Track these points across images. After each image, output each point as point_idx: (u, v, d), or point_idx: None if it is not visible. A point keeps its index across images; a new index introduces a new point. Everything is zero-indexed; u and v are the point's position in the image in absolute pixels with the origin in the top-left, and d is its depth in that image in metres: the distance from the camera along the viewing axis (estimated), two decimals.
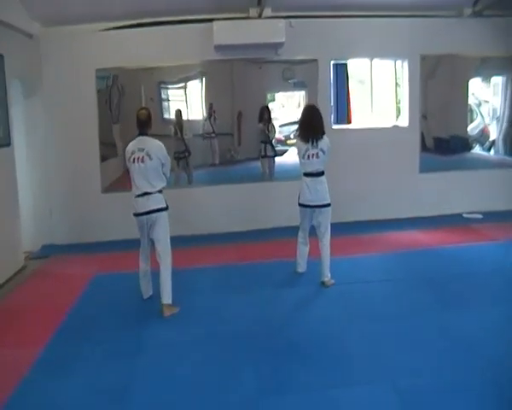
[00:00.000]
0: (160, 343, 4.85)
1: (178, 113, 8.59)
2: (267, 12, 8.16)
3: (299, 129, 6.14)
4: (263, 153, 8.84)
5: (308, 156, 5.93)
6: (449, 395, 3.86)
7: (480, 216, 8.86)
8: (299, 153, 6.04)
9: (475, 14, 8.71)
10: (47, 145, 8.14)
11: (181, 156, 8.64)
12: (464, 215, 8.95)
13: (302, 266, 6.43)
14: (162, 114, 8.68)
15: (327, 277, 6.07)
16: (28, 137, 7.96)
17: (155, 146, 5.38)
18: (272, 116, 8.81)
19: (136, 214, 5.46)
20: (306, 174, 6.01)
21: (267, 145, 8.81)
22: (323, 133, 5.99)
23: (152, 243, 5.55)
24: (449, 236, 7.97)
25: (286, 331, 5.03)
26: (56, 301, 6.02)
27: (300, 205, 6.12)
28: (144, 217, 5.41)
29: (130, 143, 5.48)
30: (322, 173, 6.00)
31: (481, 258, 6.92)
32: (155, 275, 5.59)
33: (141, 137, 5.43)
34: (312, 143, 5.90)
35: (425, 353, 4.47)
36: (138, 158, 5.30)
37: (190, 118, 8.74)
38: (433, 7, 8.59)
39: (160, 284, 5.44)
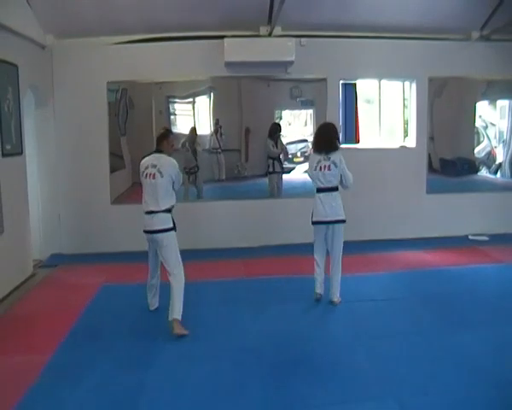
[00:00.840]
0: (168, 356, 4.84)
1: (193, 130, 8.70)
2: (277, 30, 8.24)
3: (314, 141, 6.17)
4: (271, 169, 8.87)
5: (320, 168, 5.84)
6: None
7: (486, 238, 8.88)
8: (310, 166, 5.99)
9: (483, 38, 8.80)
10: (58, 155, 8.22)
11: (191, 171, 8.74)
12: (470, 237, 8.97)
13: (320, 287, 6.13)
14: (170, 127, 8.72)
15: (336, 296, 5.99)
16: (39, 147, 8.05)
17: (168, 164, 5.36)
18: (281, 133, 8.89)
19: (144, 231, 5.46)
20: (319, 190, 5.91)
21: (275, 161, 8.86)
22: (337, 148, 5.92)
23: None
24: (455, 257, 7.98)
25: (293, 347, 5.02)
26: (64, 310, 6.03)
27: (314, 223, 5.97)
28: (150, 235, 5.43)
29: (146, 158, 5.50)
30: (336, 188, 5.91)
31: (487, 279, 6.93)
32: (165, 287, 5.57)
33: (156, 154, 5.45)
34: (325, 155, 5.83)
35: (431, 371, 4.46)
36: (150, 174, 5.31)
37: (198, 133, 8.80)
38: (442, 30, 8.67)
39: (171, 301, 5.31)
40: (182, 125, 8.75)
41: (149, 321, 5.64)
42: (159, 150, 5.46)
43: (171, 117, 8.78)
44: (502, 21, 8.28)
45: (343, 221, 5.93)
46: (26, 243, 7.33)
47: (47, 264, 7.92)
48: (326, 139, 5.94)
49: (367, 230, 8.80)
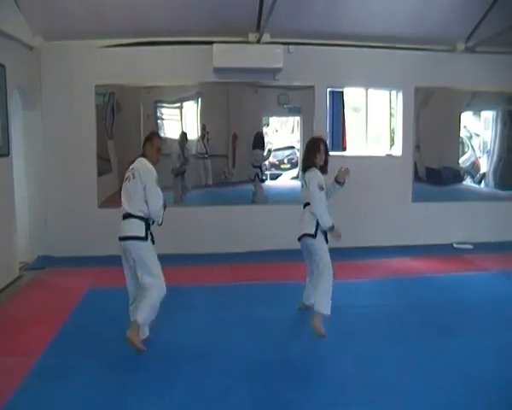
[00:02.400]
0: (155, 359, 4.81)
1: (184, 135, 8.71)
2: (266, 37, 8.29)
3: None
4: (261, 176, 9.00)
5: (302, 186, 5.71)
6: None
7: (470, 246, 8.99)
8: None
9: (468, 49, 8.95)
10: (45, 157, 8.18)
11: (179, 171, 8.75)
12: (455, 245, 9.08)
13: (304, 298, 5.95)
14: (158, 132, 8.69)
15: (315, 304, 5.48)
16: (26, 149, 7.99)
17: (143, 168, 4.93)
18: (266, 140, 9.01)
19: (119, 237, 5.01)
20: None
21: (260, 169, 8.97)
22: (308, 167, 5.57)
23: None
24: (440, 264, 8.07)
25: (281, 353, 5.01)
26: (51, 313, 5.97)
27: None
28: (121, 243, 4.99)
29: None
30: (308, 204, 5.55)
31: (472, 287, 7.01)
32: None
33: (139, 158, 5.09)
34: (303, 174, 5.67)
35: (418, 376, 4.49)
36: (128, 178, 4.97)
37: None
38: (428, 41, 8.80)
39: (139, 302, 4.93)
40: (169, 130, 8.73)
41: None
42: (142, 154, 5.08)
43: (159, 121, 8.76)
44: (486, 34, 8.44)
45: (308, 235, 5.51)
46: (13, 244, 7.26)
47: (33, 266, 7.85)
48: (303, 159, 5.81)
49: (353, 237, 8.76)
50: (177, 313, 5.89)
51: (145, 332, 5.07)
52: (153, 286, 4.89)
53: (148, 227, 4.95)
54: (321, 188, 5.44)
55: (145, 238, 4.90)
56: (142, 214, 4.89)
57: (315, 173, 5.52)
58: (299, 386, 4.36)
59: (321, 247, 5.51)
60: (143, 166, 4.95)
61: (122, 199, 4.99)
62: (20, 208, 7.60)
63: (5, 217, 6.99)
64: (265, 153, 8.93)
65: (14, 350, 5.02)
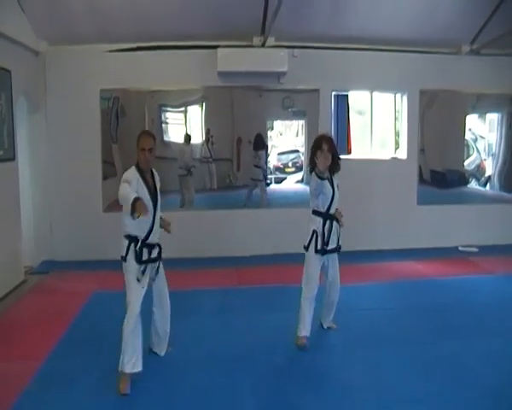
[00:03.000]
0: (159, 364, 4.82)
1: (188, 137, 8.73)
2: (270, 41, 8.29)
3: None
4: (261, 177, 8.96)
5: None
6: None
7: (475, 249, 8.96)
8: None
9: (473, 51, 8.92)
10: (50, 162, 8.20)
11: (184, 173, 8.76)
12: (460, 248, 9.04)
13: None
14: (162, 136, 8.74)
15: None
16: (32, 153, 8.03)
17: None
18: (270, 143, 9.03)
19: None
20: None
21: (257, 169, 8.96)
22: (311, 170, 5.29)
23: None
24: (446, 267, 8.05)
25: (286, 357, 5.03)
26: (55, 317, 5.99)
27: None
28: None
29: None
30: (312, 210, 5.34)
31: (477, 290, 7.00)
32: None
33: None
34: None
35: (425, 380, 4.48)
36: None
37: (190, 142, 8.81)
38: (433, 43, 8.78)
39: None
40: (174, 134, 8.75)
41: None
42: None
43: (163, 126, 8.78)
44: (491, 36, 8.41)
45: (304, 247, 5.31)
46: (18, 249, 7.28)
47: (38, 270, 7.88)
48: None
49: (358, 240, 8.77)
50: (182, 316, 5.86)
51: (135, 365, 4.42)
52: (126, 317, 4.43)
53: (130, 245, 4.47)
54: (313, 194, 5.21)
55: (125, 259, 4.49)
56: (124, 232, 4.49)
57: (311, 178, 5.25)
58: (306, 390, 4.37)
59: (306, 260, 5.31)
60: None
61: None
62: (25, 212, 7.64)
63: (10, 221, 7.02)
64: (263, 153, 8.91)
65: (18, 354, 5.04)
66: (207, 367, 4.76)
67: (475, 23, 8.50)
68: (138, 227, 4.42)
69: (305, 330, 5.18)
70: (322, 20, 8.08)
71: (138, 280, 4.45)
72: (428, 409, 4.06)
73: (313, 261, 5.24)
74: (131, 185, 4.31)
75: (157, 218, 4.58)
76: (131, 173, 4.45)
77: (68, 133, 8.19)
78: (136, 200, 4.08)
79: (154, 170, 4.71)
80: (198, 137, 8.81)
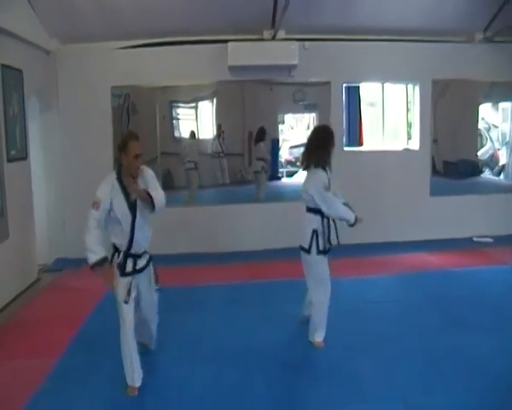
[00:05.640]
0: (172, 358, 4.87)
1: (192, 133, 8.73)
2: (281, 34, 8.26)
3: (321, 150, 5.00)
4: (259, 169, 8.92)
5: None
6: None
7: (490, 240, 8.87)
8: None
9: (486, 39, 8.81)
10: (62, 160, 8.27)
11: (190, 167, 8.77)
12: (474, 239, 8.97)
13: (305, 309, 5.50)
14: (173, 132, 8.78)
15: (313, 337, 5.13)
16: (44, 152, 8.10)
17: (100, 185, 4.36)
18: (281, 137, 9.02)
19: None
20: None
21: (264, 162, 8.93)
22: (312, 164, 5.02)
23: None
24: (459, 259, 8.00)
25: (297, 349, 5.06)
26: (70, 314, 6.06)
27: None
28: None
29: None
30: (310, 209, 5.06)
31: (491, 281, 6.94)
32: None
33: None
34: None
35: (436, 372, 4.48)
36: None
37: (201, 137, 8.83)
38: (445, 32, 8.69)
39: None
40: (185, 130, 8.77)
41: None
42: (118, 167, 4.39)
43: (174, 122, 8.80)
44: (505, 23, 8.29)
45: (304, 249, 5.05)
46: (31, 247, 7.36)
47: (52, 268, 7.95)
48: (305, 154, 5.11)
49: (371, 232, 8.73)
50: (194, 311, 5.98)
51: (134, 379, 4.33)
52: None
53: (114, 255, 4.34)
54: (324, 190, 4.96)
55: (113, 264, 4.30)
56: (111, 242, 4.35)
57: (317, 173, 5.02)
58: (317, 382, 4.39)
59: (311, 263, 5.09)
60: (101, 183, 4.35)
61: None
62: (38, 211, 7.71)
63: (24, 220, 7.08)
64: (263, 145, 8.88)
65: (33, 352, 5.10)
66: (219, 362, 4.79)
67: (489, 10, 8.37)
68: (119, 237, 4.26)
69: (324, 333, 5.12)
70: (332, 12, 8.02)
71: (125, 302, 4.23)
72: (440, 401, 4.04)
73: (321, 263, 5.04)
74: (100, 209, 4.19)
75: (138, 227, 4.26)
76: (105, 188, 4.25)
77: (80, 131, 8.24)
78: (97, 264, 4.09)
79: (144, 168, 4.41)
80: (209, 133, 8.81)
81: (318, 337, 5.09)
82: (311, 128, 8.96)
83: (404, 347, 4.99)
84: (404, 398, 4.08)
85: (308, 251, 4.98)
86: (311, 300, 5.14)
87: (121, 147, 4.22)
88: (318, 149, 4.98)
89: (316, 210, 4.97)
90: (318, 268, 5.03)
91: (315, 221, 4.99)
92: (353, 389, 4.26)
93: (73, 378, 4.52)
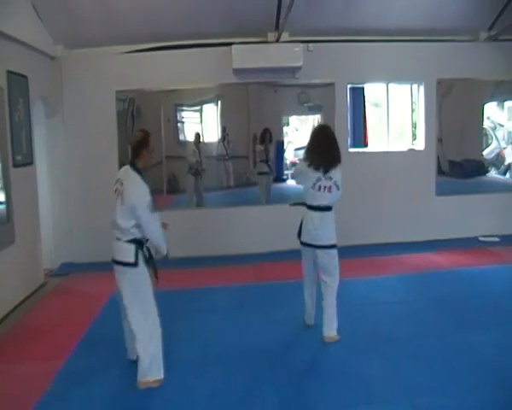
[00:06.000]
0: (179, 361, 4.86)
1: (197, 136, 8.75)
2: (285, 36, 8.27)
3: (310, 153, 5.13)
4: (260, 170, 8.93)
5: (319, 188, 5.01)
6: None
7: (496, 239, 8.84)
8: (306, 180, 5.10)
9: (491, 38, 8.78)
10: (68, 165, 8.30)
11: (196, 172, 8.78)
12: (480, 238, 8.93)
13: (310, 318, 5.53)
14: (178, 135, 8.80)
15: (329, 332, 5.15)
16: (49, 157, 8.13)
17: (133, 189, 4.20)
18: (286, 139, 9.03)
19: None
20: (312, 207, 5.11)
21: (263, 164, 8.90)
22: (339, 162, 5.08)
23: None
24: (465, 258, 7.97)
25: (305, 350, 5.06)
26: (76, 318, 6.08)
27: (302, 243, 5.27)
28: (113, 265, 4.41)
29: (121, 169, 4.60)
30: (330, 208, 5.11)
31: (498, 281, 6.91)
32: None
33: (127, 167, 4.39)
34: (325, 173, 5.00)
35: (444, 372, 4.46)
36: (117, 190, 4.31)
37: (206, 140, 8.86)
38: (450, 31, 8.68)
39: (138, 359, 4.39)
40: (190, 133, 8.78)
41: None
42: (132, 164, 4.34)
43: (179, 125, 8.82)
44: (510, 21, 8.26)
45: (332, 246, 5.13)
46: (37, 252, 7.39)
47: (58, 273, 7.99)
48: (329, 153, 5.03)
49: (376, 233, 8.81)
50: (201, 314, 5.99)
51: (134, 354, 4.53)
52: (141, 328, 4.35)
53: (138, 249, 4.31)
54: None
55: (136, 264, 4.28)
56: (132, 237, 4.29)
57: (340, 170, 5.09)
58: (325, 384, 4.39)
59: (336, 257, 5.22)
60: (135, 189, 4.22)
61: (114, 213, 4.32)
62: (44, 216, 7.75)
63: (30, 225, 7.11)
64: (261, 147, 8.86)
65: (40, 355, 5.14)
66: (227, 364, 4.79)
67: (493, 8, 8.35)
68: (140, 231, 4.30)
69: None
70: (335, 13, 8.04)
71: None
72: (449, 402, 4.01)
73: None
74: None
75: None
76: (145, 187, 4.26)
77: (85, 136, 8.28)
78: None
79: None
80: (214, 136, 8.82)
81: (334, 331, 5.15)
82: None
83: (411, 347, 4.98)
84: (411, 399, 4.07)
85: (335, 246, 5.12)
86: (329, 295, 5.17)
87: (144, 143, 4.34)
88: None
89: (331, 208, 5.11)
90: (338, 261, 5.19)
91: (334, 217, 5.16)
92: (361, 391, 4.25)
93: (80, 381, 4.53)
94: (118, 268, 4.34)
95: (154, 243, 4.38)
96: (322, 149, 5.04)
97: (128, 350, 4.75)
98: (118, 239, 4.31)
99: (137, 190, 4.21)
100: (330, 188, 5.01)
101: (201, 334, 5.47)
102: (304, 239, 5.22)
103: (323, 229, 5.08)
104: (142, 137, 4.38)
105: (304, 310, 5.55)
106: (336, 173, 5.03)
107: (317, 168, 5.02)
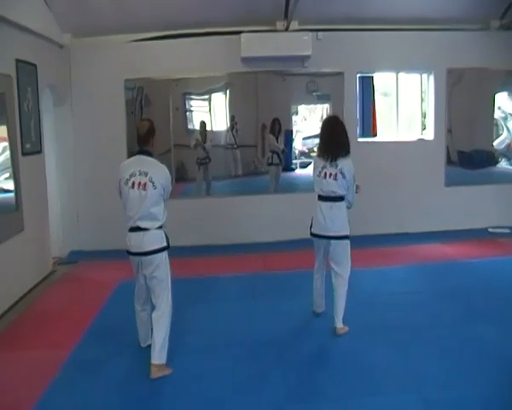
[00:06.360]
0: (187, 350, 4.88)
1: (203, 124, 8.72)
2: (294, 25, 8.23)
3: (319, 143, 5.29)
4: (270, 161, 8.90)
5: (325, 175, 5.03)
6: (478, 407, 3.85)
7: (506, 230, 8.78)
8: (314, 169, 5.20)
9: (503, 27, 8.69)
10: (76, 153, 8.32)
11: (202, 162, 8.76)
12: (490, 230, 8.87)
13: (320, 306, 5.56)
14: (187, 124, 8.79)
15: (339, 323, 5.15)
16: (58, 145, 8.14)
17: (160, 171, 4.41)
18: (294, 128, 9.00)
19: (130, 253, 4.52)
20: (321, 198, 5.13)
21: (274, 155, 8.88)
22: (348, 152, 5.08)
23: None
24: (475, 249, 7.93)
25: (313, 340, 5.06)
26: (84, 306, 6.12)
27: (313, 235, 5.28)
28: (137, 257, 4.48)
29: (127, 162, 4.59)
30: (341, 198, 5.10)
31: (508, 271, 6.88)
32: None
33: (142, 157, 4.44)
34: (331, 161, 5.02)
35: (453, 364, 4.45)
36: (140, 184, 4.29)
37: (214, 129, 8.83)
38: (461, 20, 8.60)
39: (152, 341, 4.46)
40: (198, 122, 8.76)
41: None
42: (144, 151, 4.45)
43: (188, 114, 8.81)
44: None
45: (344, 237, 5.15)
46: (46, 240, 7.42)
47: (66, 261, 8.02)
48: (334, 142, 5.06)
49: (386, 223, 8.78)
50: (209, 303, 6.01)
51: (147, 340, 4.78)
52: (167, 312, 4.51)
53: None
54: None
55: (168, 246, 4.51)
56: (162, 222, 4.47)
57: (351, 161, 5.12)
58: (333, 374, 4.39)
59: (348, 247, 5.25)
60: (163, 172, 4.44)
61: (133, 208, 4.36)
62: (52, 204, 7.77)
63: (38, 213, 7.13)
64: (273, 139, 8.83)
65: (48, 343, 5.17)
66: (234, 353, 4.81)
67: None
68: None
69: None
70: (345, 2, 7.97)
71: None
72: (456, 392, 4.00)
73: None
74: None
75: None
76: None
77: (94, 124, 8.28)
78: None
79: None
80: (222, 124, 8.80)
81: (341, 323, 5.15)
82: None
83: (419, 338, 4.97)
84: (419, 390, 4.06)
85: (347, 237, 5.15)
86: (339, 283, 5.18)
87: (153, 131, 4.55)
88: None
89: (342, 198, 5.12)
90: (350, 251, 5.23)
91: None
92: (369, 381, 4.25)
93: (88, 369, 4.57)
94: (147, 259, 4.42)
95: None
96: (329, 139, 5.10)
97: (141, 338, 4.85)
98: (146, 230, 4.36)
99: (167, 173, 4.48)
100: (336, 175, 5.00)
101: (210, 322, 5.49)
102: (314, 231, 5.22)
103: (333, 219, 5.07)
104: (150, 126, 4.55)
105: (312, 298, 5.54)
106: (344, 162, 5.02)
107: (324, 157, 5.07)
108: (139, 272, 4.57)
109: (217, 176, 8.87)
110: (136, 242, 4.39)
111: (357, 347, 4.88)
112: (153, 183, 4.30)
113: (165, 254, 4.47)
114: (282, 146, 8.85)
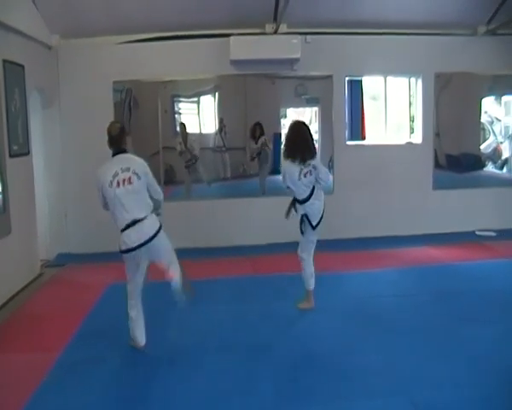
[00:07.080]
0: (176, 352, 4.86)
1: (183, 125, 8.71)
2: (283, 28, 8.25)
3: (288, 145, 5.57)
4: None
5: (305, 175, 5.43)
6: (468, 409, 3.85)
7: (493, 234, 8.85)
8: (291, 175, 5.46)
9: (489, 32, 8.77)
10: (64, 155, 8.26)
11: (189, 164, 8.74)
12: (477, 233, 8.93)
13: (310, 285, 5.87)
14: (175, 126, 8.77)
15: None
16: (46, 147, 8.09)
17: (140, 163, 4.63)
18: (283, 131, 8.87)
19: (132, 249, 4.55)
20: (304, 200, 5.55)
21: (256, 158, 8.88)
22: (315, 154, 5.56)
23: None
24: (462, 252, 7.98)
25: (302, 343, 5.04)
26: (73, 309, 6.08)
27: (313, 228, 5.66)
28: (143, 248, 4.54)
29: (105, 167, 4.63)
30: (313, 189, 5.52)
31: (494, 274, 6.92)
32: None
33: (120, 156, 4.63)
34: (303, 163, 5.40)
35: (442, 366, 4.45)
36: (124, 180, 4.45)
37: (203, 131, 8.82)
38: (448, 25, 8.66)
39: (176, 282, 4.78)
40: (187, 124, 8.73)
41: (156, 319, 5.61)
42: (122, 150, 4.66)
43: (176, 116, 8.80)
44: (508, 16, 8.26)
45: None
46: (34, 242, 7.37)
47: (54, 263, 7.96)
48: (304, 146, 5.45)
49: (373, 226, 8.80)
50: (199, 306, 5.90)
51: (143, 339, 4.90)
52: (177, 264, 4.86)
53: None
54: None
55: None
56: (152, 208, 4.67)
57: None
58: (323, 377, 4.37)
59: None
60: (141, 163, 4.67)
61: (125, 205, 4.49)
62: (40, 207, 7.71)
63: (26, 216, 7.08)
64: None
65: (37, 346, 5.12)
66: (224, 355, 4.79)
67: (492, 2, 8.33)
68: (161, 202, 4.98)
69: None
70: (334, 6, 8.01)
71: None
72: (447, 396, 4.00)
73: None
74: None
75: None
76: None
77: (82, 126, 8.21)
78: None
79: None
80: (211, 127, 8.79)
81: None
82: (314, 122, 9.01)
83: (409, 341, 4.97)
84: (410, 393, 4.06)
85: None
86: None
87: (125, 130, 4.89)
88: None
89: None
90: None
91: None
92: (359, 384, 4.24)
93: (77, 372, 4.53)
94: (153, 244, 4.57)
95: (160, 202, 4.89)
96: (300, 143, 5.43)
97: (139, 339, 4.87)
98: (143, 219, 4.52)
99: (144, 162, 4.69)
100: (310, 172, 5.44)
101: (199, 325, 5.47)
102: (315, 222, 5.60)
103: (320, 209, 5.59)
104: (122, 125, 4.92)
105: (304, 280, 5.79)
106: (313, 161, 5.46)
107: (293, 161, 5.43)
108: (140, 264, 4.71)
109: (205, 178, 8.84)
110: (138, 234, 4.49)
111: (346, 349, 4.88)
112: (137, 174, 4.53)
113: (162, 232, 4.65)
114: (257, 145, 8.80)
